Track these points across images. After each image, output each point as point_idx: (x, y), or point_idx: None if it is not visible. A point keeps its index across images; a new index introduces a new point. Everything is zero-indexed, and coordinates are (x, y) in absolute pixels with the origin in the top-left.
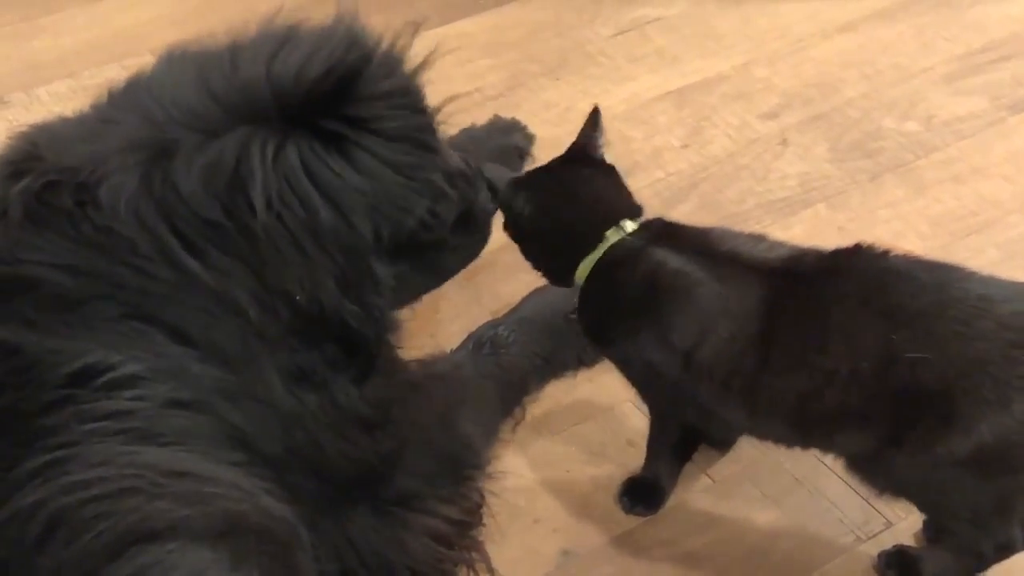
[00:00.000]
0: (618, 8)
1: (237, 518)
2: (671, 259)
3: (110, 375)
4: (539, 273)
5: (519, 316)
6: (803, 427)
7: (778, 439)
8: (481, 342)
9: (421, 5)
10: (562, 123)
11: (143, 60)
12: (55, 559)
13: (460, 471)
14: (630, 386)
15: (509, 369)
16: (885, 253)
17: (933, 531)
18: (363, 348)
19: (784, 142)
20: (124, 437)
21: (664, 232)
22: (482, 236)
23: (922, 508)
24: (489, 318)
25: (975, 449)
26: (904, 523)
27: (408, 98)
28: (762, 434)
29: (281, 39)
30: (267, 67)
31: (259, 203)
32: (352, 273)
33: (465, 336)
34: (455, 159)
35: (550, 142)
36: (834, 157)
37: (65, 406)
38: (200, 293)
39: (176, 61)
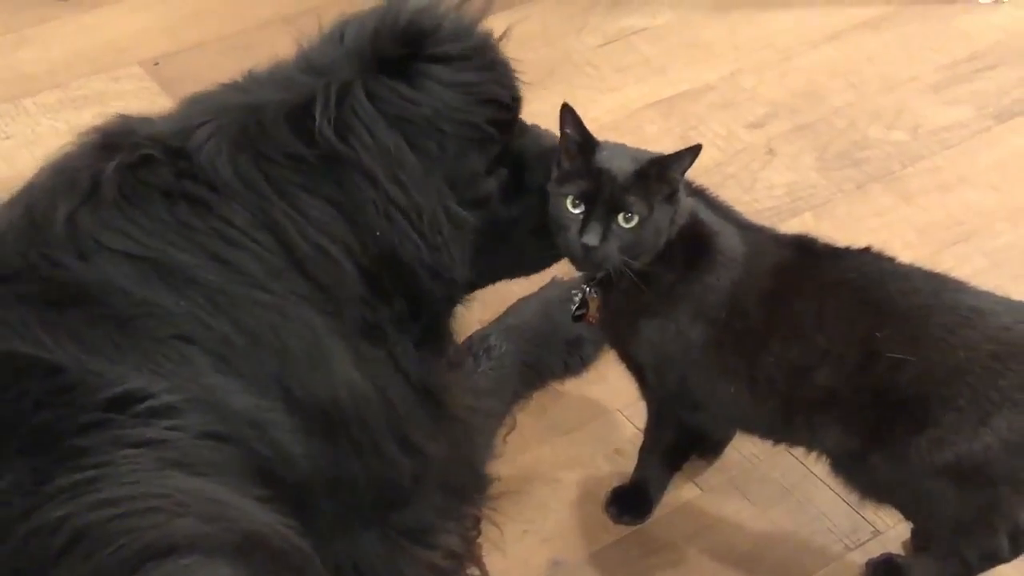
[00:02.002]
0: (605, 19)
1: (257, 537)
2: (708, 217)
3: (149, 403)
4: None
5: (507, 324)
6: (791, 412)
7: (767, 427)
8: (476, 355)
9: None
10: None
11: (132, 71)
12: (72, 573)
13: (467, 497)
14: (633, 384)
15: (503, 382)
16: (891, 258)
17: (920, 539)
18: (428, 307)
19: (771, 151)
20: (157, 463)
21: (696, 191)
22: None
23: (906, 515)
24: (477, 326)
25: (955, 460)
26: (892, 531)
27: (468, 27)
28: (754, 420)
29: (354, 15)
30: (342, 32)
31: (327, 128)
32: (423, 206)
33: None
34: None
35: None
36: (821, 166)
37: (102, 430)
38: (283, 279)
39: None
